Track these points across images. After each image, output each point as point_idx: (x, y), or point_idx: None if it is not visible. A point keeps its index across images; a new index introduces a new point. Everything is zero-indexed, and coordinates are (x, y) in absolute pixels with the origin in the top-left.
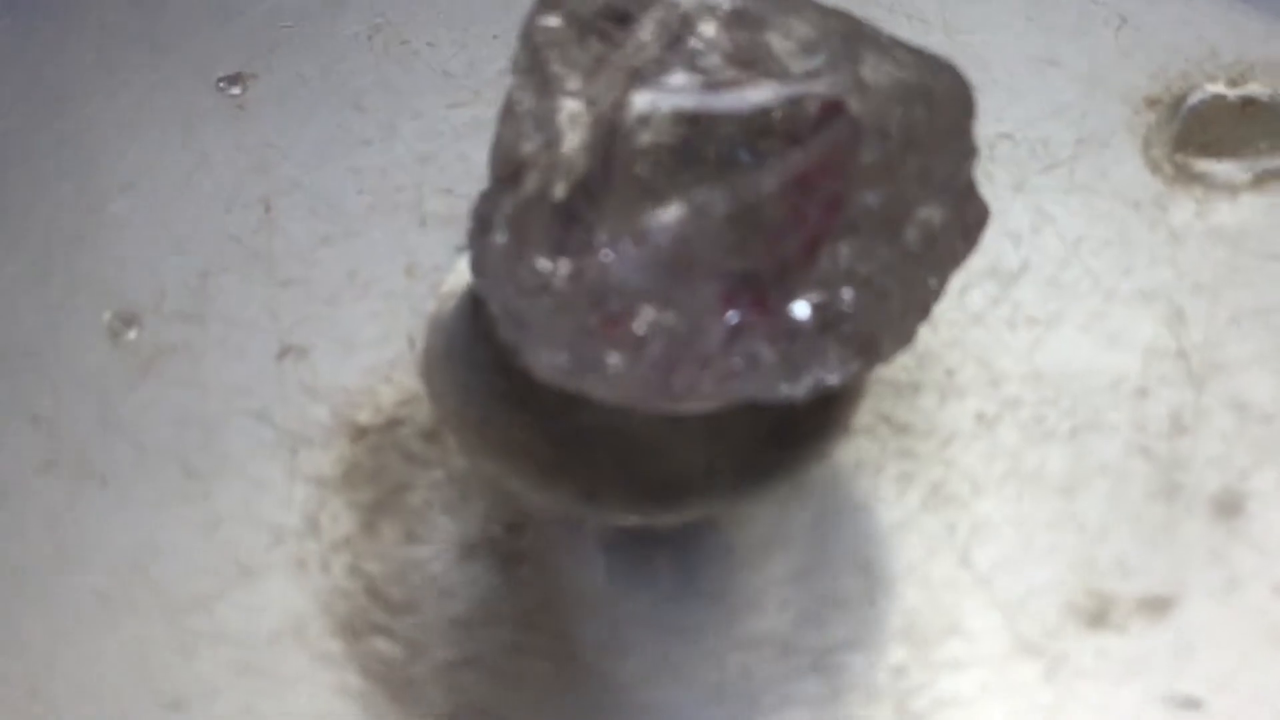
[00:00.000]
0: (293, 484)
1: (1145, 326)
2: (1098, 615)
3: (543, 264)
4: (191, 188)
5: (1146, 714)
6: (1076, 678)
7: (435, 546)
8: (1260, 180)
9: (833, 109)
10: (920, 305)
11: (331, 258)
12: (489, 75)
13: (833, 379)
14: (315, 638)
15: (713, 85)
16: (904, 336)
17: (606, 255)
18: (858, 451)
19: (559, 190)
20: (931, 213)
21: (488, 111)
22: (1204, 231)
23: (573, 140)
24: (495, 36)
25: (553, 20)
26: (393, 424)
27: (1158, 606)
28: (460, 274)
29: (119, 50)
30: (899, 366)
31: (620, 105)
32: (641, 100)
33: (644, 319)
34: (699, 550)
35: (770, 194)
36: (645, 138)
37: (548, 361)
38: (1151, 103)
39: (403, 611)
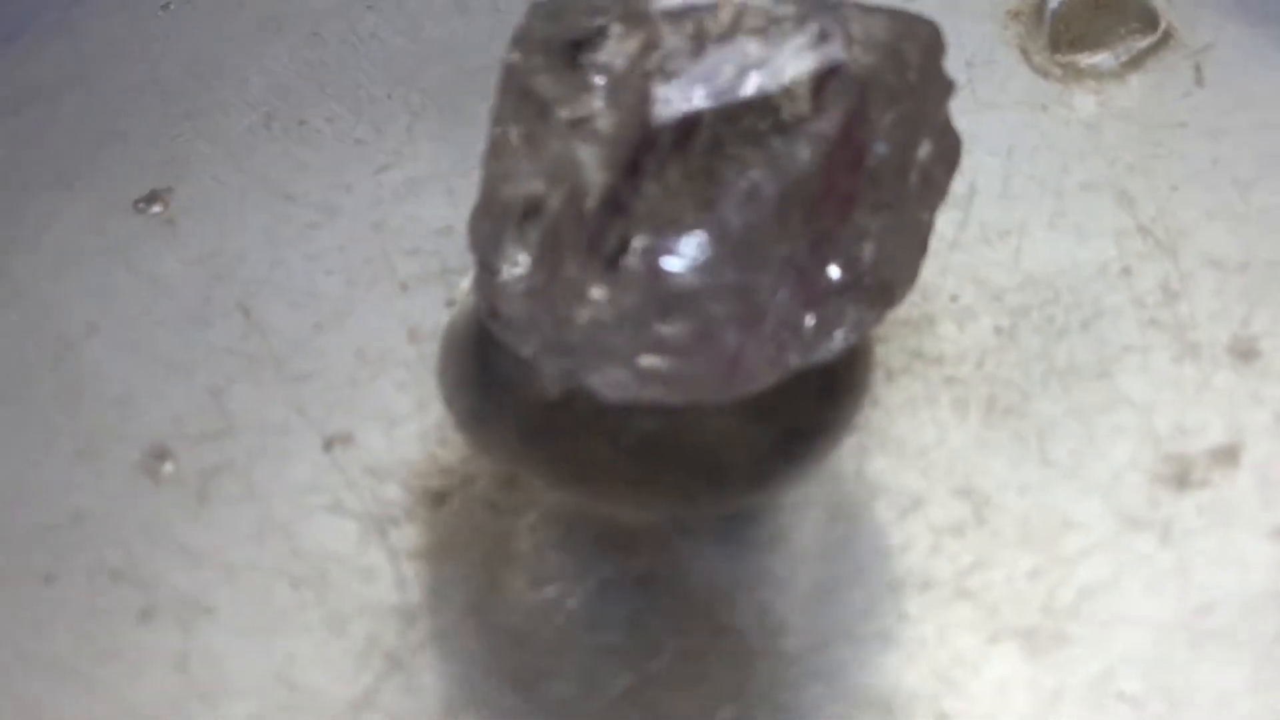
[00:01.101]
0: (398, 564)
1: (1103, 213)
2: (1181, 477)
3: (594, 288)
4: (158, 313)
5: (1264, 551)
6: (1188, 537)
7: (562, 583)
8: (1136, 62)
9: (837, 71)
10: (921, 243)
11: (332, 342)
12: (399, 132)
13: (858, 333)
14: (489, 696)
15: (722, 75)
16: (912, 276)
17: (668, 262)
18: (905, 391)
19: (591, 208)
20: (924, 152)
21: (416, 167)
22: (1113, 117)
23: (589, 157)
24: (389, 95)
25: (530, 53)
26: (467, 481)
27: (1228, 455)
28: (459, 328)
29: (23, 193)
30: (909, 305)
31: (644, 113)
32: (665, 105)
33: (714, 316)
34: (799, 527)
35: (808, 166)
36: (673, 138)
37: (610, 380)
38: (1014, 15)
39: (558, 651)
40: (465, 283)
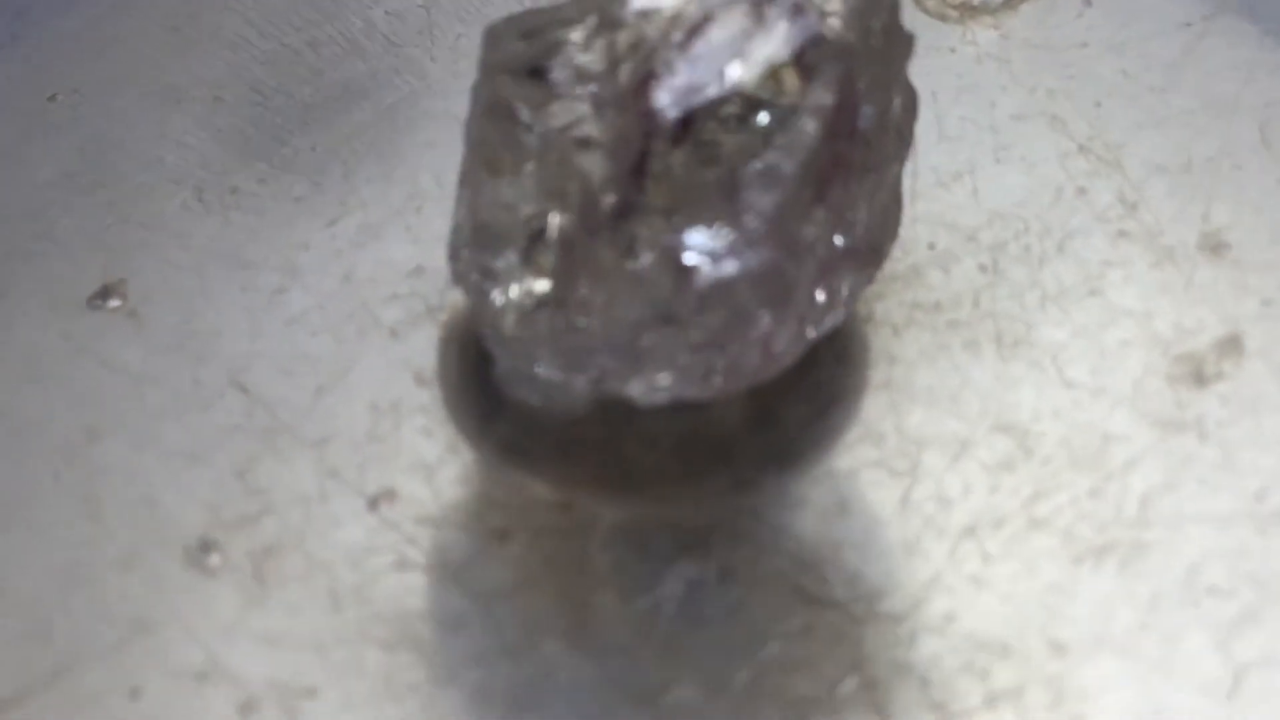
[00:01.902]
0: (485, 608)
1: (1040, 140)
2: (1197, 374)
3: (624, 296)
4: (153, 406)
5: None
6: (1222, 428)
7: (651, 593)
8: None
9: (818, 43)
10: (898, 199)
11: (341, 402)
12: (337, 181)
13: (855, 297)
14: (620, 717)
15: (710, 66)
16: (895, 233)
17: (701, 257)
18: (915, 343)
19: (606, 215)
20: (895, 108)
21: (366, 213)
22: (1018, 47)
23: (592, 165)
24: (313, 148)
25: (505, 76)
26: (524, 513)
27: (1233, 345)
28: (457, 366)
29: None
30: (892, 260)
31: (642, 113)
32: (662, 103)
33: (746, 302)
34: (860, 492)
35: (814, 139)
36: (672, 135)
37: (649, 385)
38: None
39: (670, 659)
40: (450, 317)
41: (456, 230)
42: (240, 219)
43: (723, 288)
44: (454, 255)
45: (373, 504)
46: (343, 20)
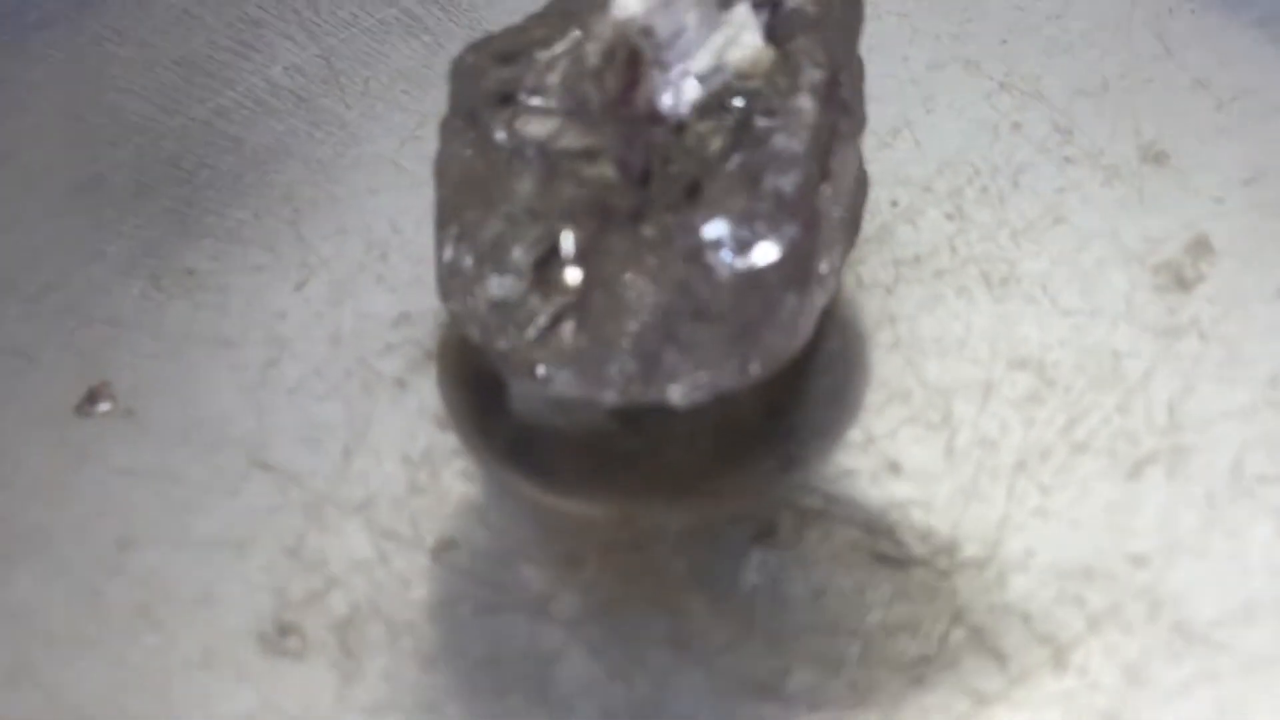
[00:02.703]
0: (582, 635)
1: (961, 85)
2: (1179, 279)
3: (663, 299)
4: (179, 500)
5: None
6: (1217, 324)
7: (740, 588)
8: None
9: (793, 17)
10: (862, 162)
11: (371, 463)
12: (292, 242)
13: (842, 263)
14: (757, 714)
15: (700, 59)
16: (866, 196)
17: (740, 247)
18: (910, 297)
19: (631, 223)
20: (855, 75)
21: (331, 269)
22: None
23: (606, 174)
24: (256, 215)
25: (488, 108)
26: (588, 533)
27: (1201, 247)
28: (478, 409)
29: None
30: (865, 225)
31: (647, 115)
32: (667, 104)
33: (775, 286)
34: (904, 449)
35: (814, 114)
36: (674, 133)
37: (693, 383)
38: None
39: (781, 645)
40: (445, 357)
41: (451, 270)
42: (206, 299)
43: (753, 276)
44: (450, 295)
45: (436, 556)
46: (244, 84)
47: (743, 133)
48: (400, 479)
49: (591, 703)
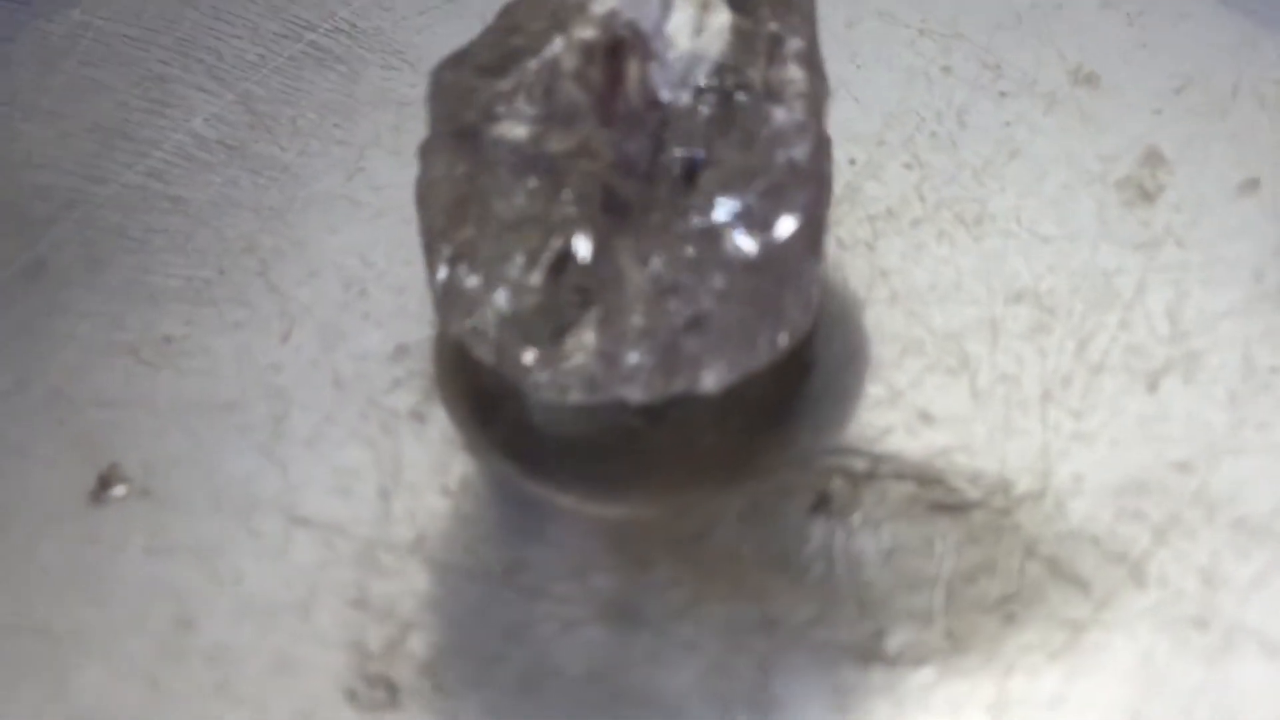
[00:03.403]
0: (676, 636)
1: (885, 38)
2: (1142, 192)
3: (706, 282)
4: (226, 571)
5: (1242, 205)
6: (1190, 230)
7: (813, 559)
8: None
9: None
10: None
11: (412, 499)
12: (264, 294)
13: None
14: (863, 679)
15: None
16: (830, 146)
17: (771, 224)
18: (892, 250)
19: (657, 211)
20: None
21: (312, 315)
22: None
23: (603, 170)
24: (221, 271)
25: (488, 121)
26: (652, 532)
27: (1153, 158)
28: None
29: None
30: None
31: (653, 106)
32: (669, 93)
33: (797, 256)
34: (931, 397)
35: (803, 83)
36: (699, 109)
37: (728, 368)
38: None
39: (867, 610)
40: (446, 385)
41: (450, 293)
42: (192, 364)
43: (776, 250)
44: (452, 318)
45: (508, 580)
46: (168, 142)
47: (740, 109)
48: (444, 511)
49: (701, 700)
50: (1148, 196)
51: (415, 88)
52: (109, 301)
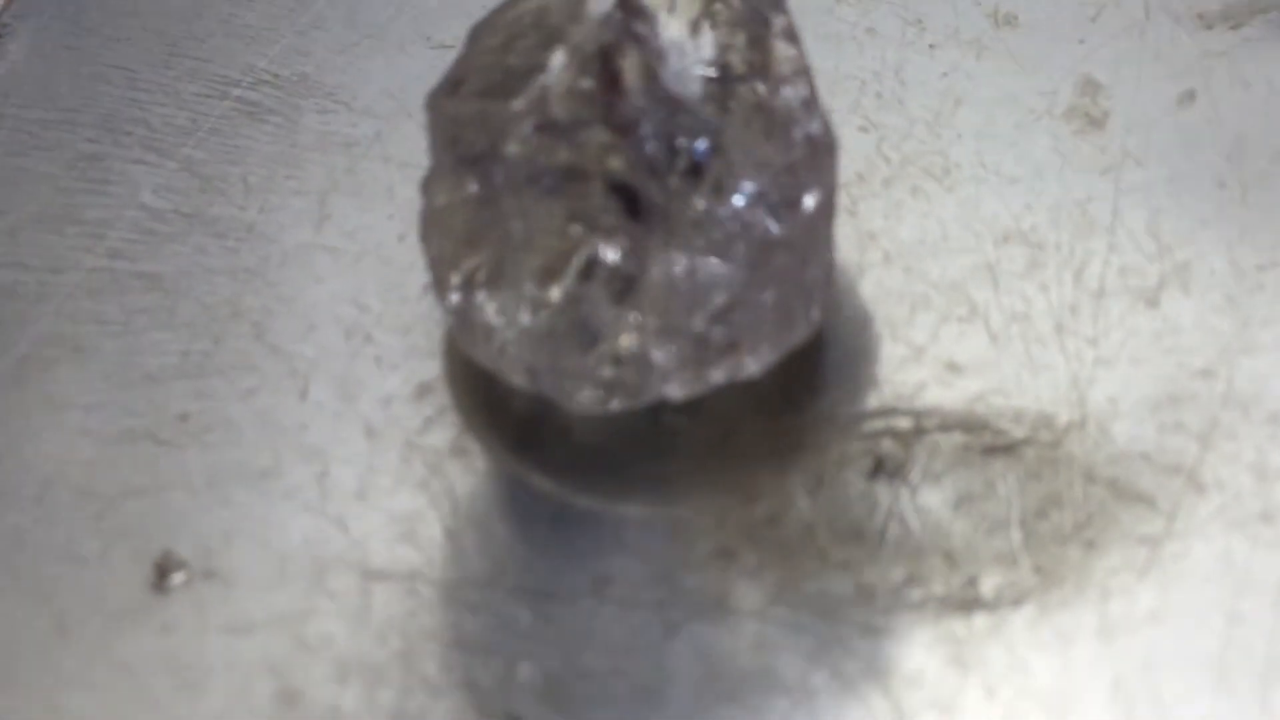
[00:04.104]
0: (775, 622)
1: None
2: (1089, 118)
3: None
4: (319, 638)
5: (1184, 113)
6: (1145, 149)
7: (885, 523)
8: None
9: None
10: None
11: (479, 538)
12: (269, 358)
13: None
14: (959, 629)
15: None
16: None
17: (792, 204)
18: (877, 214)
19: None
20: None
21: (326, 369)
22: None
23: (621, 167)
24: (217, 341)
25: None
26: (725, 522)
27: (1089, 86)
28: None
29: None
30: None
31: (668, 103)
32: (680, 87)
33: (825, 236)
34: (955, 344)
35: (799, 61)
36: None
37: (771, 348)
38: None
39: (947, 561)
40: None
41: (469, 323)
42: (215, 438)
43: (805, 222)
44: (475, 344)
45: (599, 595)
46: (122, 220)
47: (748, 93)
48: (516, 540)
49: (822, 677)
50: (1096, 123)
51: (357, 127)
52: (107, 389)
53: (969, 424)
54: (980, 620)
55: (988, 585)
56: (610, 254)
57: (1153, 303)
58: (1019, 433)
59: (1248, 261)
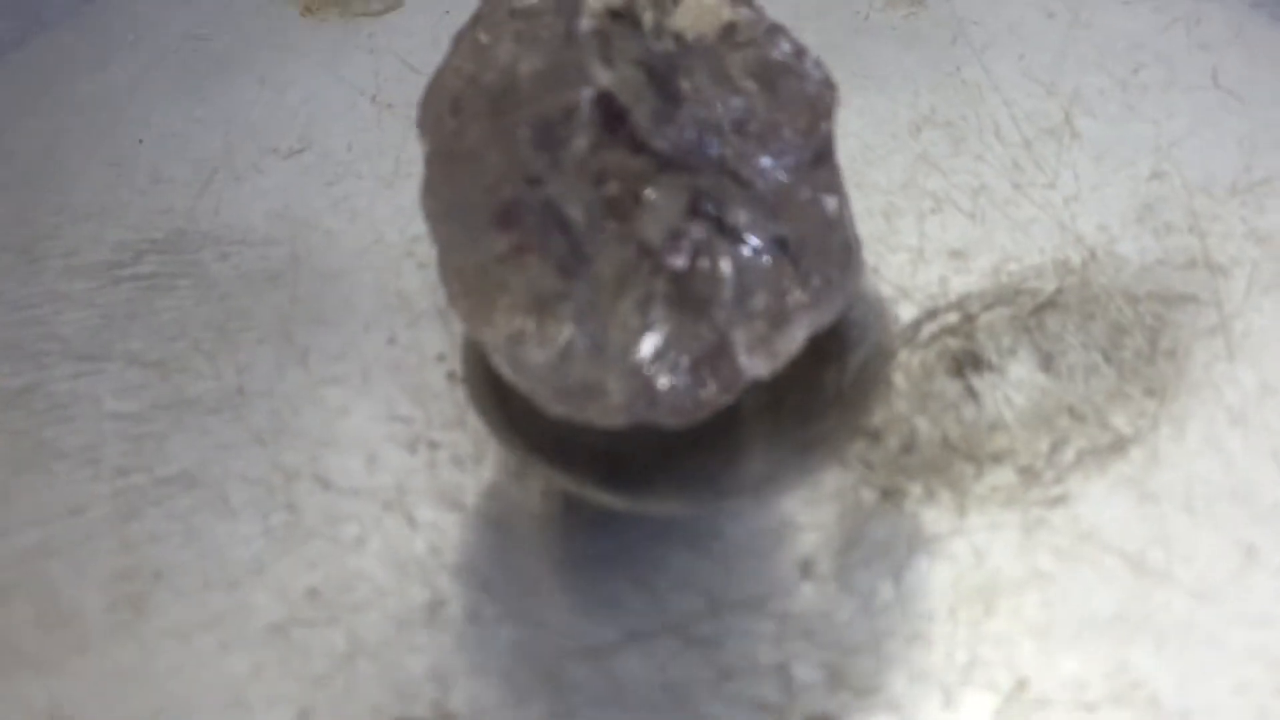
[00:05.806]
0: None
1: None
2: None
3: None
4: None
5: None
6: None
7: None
8: None
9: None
10: None
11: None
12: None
13: None
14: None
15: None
16: None
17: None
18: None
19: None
20: None
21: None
22: None
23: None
24: (246, 479)
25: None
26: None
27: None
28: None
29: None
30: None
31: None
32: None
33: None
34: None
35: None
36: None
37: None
38: None
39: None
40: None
41: (526, 367)
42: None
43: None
44: (519, 371)
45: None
46: (86, 429)
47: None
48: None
49: (1046, 558)
50: (920, 2)
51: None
52: (141, 545)
53: (1004, 295)
54: (1137, 453)
55: (1121, 422)
56: (726, 267)
57: (1074, 134)
58: (1050, 285)
59: (1124, 72)
